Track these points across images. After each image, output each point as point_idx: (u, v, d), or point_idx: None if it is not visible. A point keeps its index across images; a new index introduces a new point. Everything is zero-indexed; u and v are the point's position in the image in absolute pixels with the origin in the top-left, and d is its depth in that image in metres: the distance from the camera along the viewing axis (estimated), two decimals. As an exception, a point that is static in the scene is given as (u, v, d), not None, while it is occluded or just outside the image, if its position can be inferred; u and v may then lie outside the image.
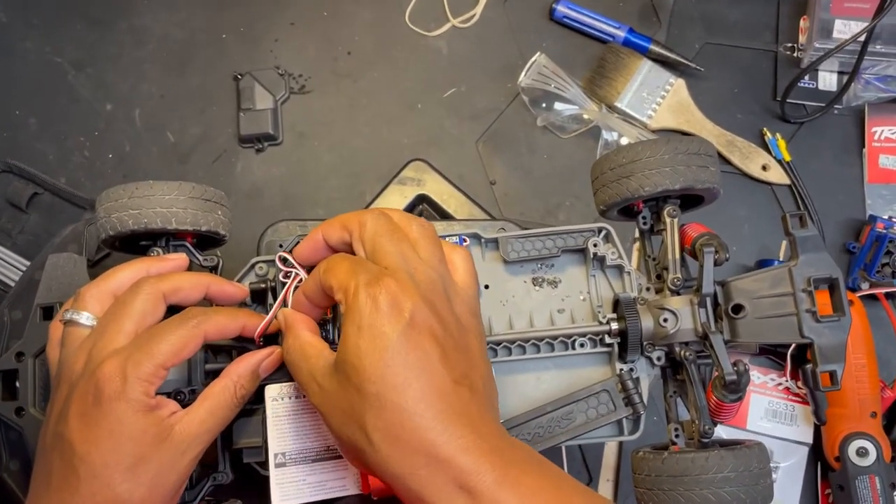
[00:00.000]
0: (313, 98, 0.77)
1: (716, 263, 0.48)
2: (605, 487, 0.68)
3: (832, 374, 0.43)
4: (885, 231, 0.69)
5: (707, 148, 0.51)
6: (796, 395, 0.69)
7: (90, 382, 0.40)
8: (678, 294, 0.50)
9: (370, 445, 0.37)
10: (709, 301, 0.48)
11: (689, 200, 0.53)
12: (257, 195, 0.74)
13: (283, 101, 0.76)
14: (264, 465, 0.47)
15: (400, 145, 0.76)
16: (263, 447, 0.47)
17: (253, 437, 0.48)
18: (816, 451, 0.68)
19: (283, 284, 0.47)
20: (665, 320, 0.48)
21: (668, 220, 0.51)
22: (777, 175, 0.74)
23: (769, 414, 0.69)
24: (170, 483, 0.41)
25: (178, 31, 0.79)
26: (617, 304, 0.50)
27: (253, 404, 0.48)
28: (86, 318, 0.44)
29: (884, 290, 0.69)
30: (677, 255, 0.50)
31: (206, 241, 0.52)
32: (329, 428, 0.41)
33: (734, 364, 0.46)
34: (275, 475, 0.46)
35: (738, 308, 0.47)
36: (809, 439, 0.68)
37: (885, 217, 0.71)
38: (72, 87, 0.77)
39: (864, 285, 0.70)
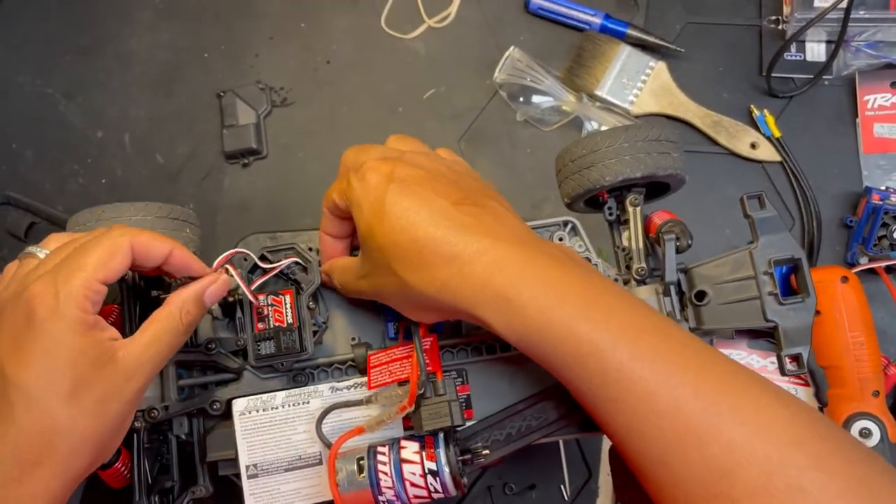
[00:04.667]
0: (296, 109, 0.78)
1: (678, 251, 0.47)
2: (606, 481, 0.67)
3: (798, 357, 0.42)
4: (880, 202, 0.67)
5: (668, 133, 0.50)
6: (798, 377, 0.67)
7: (19, 304, 0.38)
8: (644, 284, 0.49)
9: (406, 285, 0.40)
10: (673, 289, 0.47)
11: (656, 189, 0.52)
12: (245, 210, 0.75)
13: (265, 114, 0.77)
14: (240, 476, 0.48)
15: (383, 150, 0.76)
16: (236, 459, 0.48)
17: (226, 449, 0.49)
18: (822, 434, 0.66)
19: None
20: (632, 311, 0.47)
21: (630, 209, 0.50)
22: (767, 152, 0.72)
23: (771, 398, 0.67)
24: (115, 412, 0.39)
25: (162, 53, 0.80)
26: (583, 298, 0.49)
27: (225, 418, 0.49)
28: (44, 253, 0.42)
29: (883, 264, 0.66)
30: (641, 245, 0.49)
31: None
32: (391, 305, 0.44)
33: (702, 352, 0.45)
34: (248, 486, 0.47)
35: (701, 295, 0.46)
36: (814, 422, 0.66)
37: (882, 188, 0.68)
38: (64, 116, 0.79)
39: (863, 260, 0.67)
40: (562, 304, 0.37)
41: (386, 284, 0.42)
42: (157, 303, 0.51)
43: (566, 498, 0.66)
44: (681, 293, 0.48)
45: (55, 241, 0.43)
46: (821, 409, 0.66)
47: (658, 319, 0.38)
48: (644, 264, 0.49)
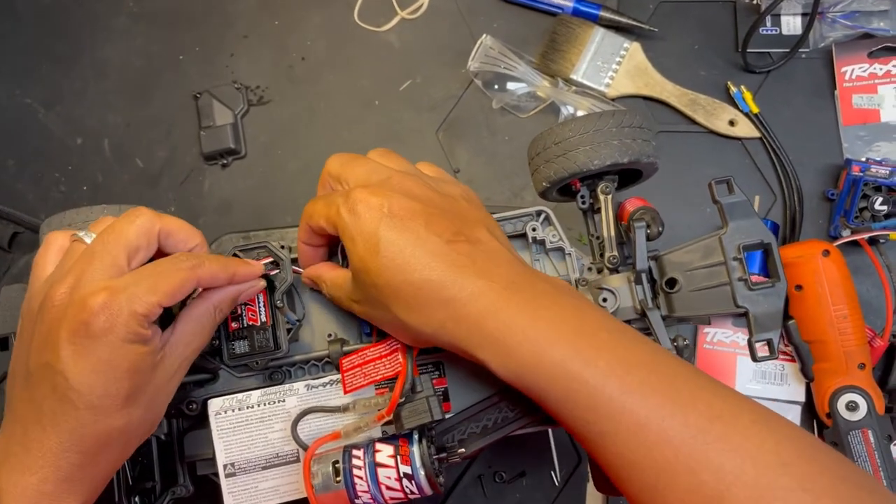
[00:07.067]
0: (273, 108, 0.78)
1: (649, 238, 0.47)
2: (595, 465, 0.67)
3: (769, 343, 0.42)
4: (861, 174, 0.66)
5: (648, 122, 0.50)
6: (784, 353, 0.67)
7: (81, 312, 0.38)
8: (617, 272, 0.49)
9: (405, 325, 0.41)
10: (644, 277, 0.47)
11: (627, 176, 0.52)
12: (227, 211, 0.75)
13: (242, 114, 0.77)
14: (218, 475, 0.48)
15: (361, 144, 0.76)
16: (214, 459, 0.48)
17: (204, 449, 0.49)
18: (811, 410, 0.66)
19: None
20: (604, 300, 0.47)
21: (602, 197, 0.50)
22: (746, 129, 0.71)
23: (758, 375, 0.67)
24: (161, 403, 0.43)
25: (137, 59, 0.80)
26: (556, 288, 0.49)
27: (203, 418, 0.50)
28: (90, 238, 0.43)
29: (865, 236, 0.66)
30: (612, 233, 0.49)
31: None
32: (382, 328, 0.46)
33: (674, 340, 0.45)
34: (226, 485, 0.48)
35: (672, 282, 0.46)
36: (802, 398, 0.66)
37: (862, 159, 0.68)
38: (43, 125, 0.79)
39: (846, 232, 0.67)
40: (553, 345, 0.39)
41: (379, 317, 0.44)
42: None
43: (557, 484, 0.66)
44: (653, 281, 0.47)
45: (98, 225, 0.44)
46: (807, 384, 0.66)
47: (649, 350, 0.40)
48: (616, 252, 0.48)
